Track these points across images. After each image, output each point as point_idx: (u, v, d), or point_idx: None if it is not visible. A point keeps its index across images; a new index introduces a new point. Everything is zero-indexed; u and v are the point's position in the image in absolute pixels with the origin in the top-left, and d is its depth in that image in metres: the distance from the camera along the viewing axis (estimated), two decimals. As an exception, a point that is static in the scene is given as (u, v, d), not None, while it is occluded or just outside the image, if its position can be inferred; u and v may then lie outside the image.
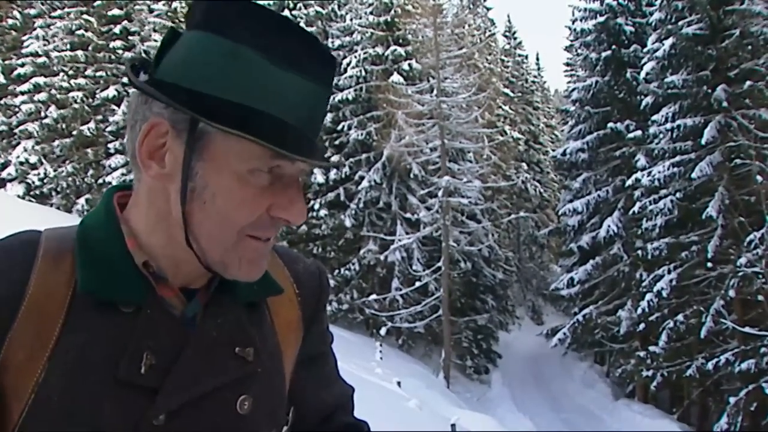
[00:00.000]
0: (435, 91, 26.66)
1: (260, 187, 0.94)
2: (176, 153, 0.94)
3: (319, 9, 31.23)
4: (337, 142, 28.82)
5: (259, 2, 0.97)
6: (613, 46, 26.17)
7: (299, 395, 1.18)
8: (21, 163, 29.93)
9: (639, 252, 22.43)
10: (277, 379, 1.11)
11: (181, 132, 0.93)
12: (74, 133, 30.31)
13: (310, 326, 1.20)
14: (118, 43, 30.90)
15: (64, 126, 30.44)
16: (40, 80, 30.54)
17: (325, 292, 1.25)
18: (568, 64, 41.43)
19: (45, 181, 30.06)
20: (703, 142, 19.19)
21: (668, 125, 20.69)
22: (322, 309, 1.25)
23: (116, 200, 1.05)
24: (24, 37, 32.49)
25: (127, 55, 30.44)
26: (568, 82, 36.28)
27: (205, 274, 1.03)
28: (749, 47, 19.78)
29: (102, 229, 1.01)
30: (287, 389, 1.14)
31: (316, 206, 28.03)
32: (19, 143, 30.49)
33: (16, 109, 31.03)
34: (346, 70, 28.78)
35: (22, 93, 30.79)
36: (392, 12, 29.02)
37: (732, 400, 18.47)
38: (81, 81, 30.59)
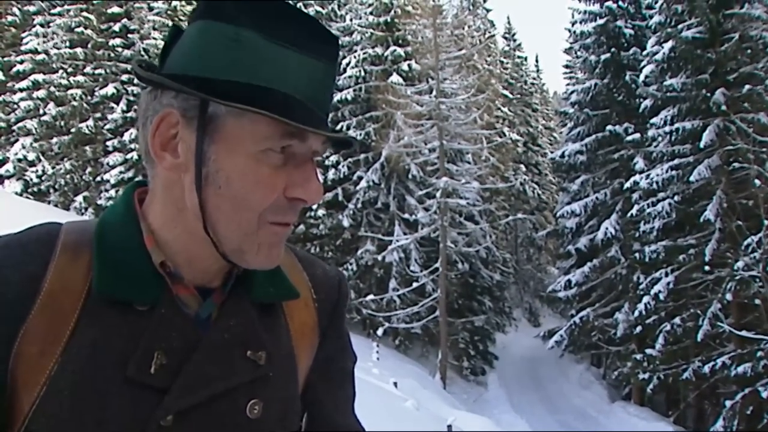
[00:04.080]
0: (434, 92, 26.66)
1: (274, 166, 0.94)
2: (188, 141, 0.94)
3: (318, 9, 31.23)
4: (335, 142, 28.80)
5: None
6: (613, 49, 26.21)
7: (313, 407, 1.16)
8: (19, 160, 29.90)
9: (636, 255, 22.45)
10: (290, 384, 1.10)
11: (192, 119, 0.93)
12: (73, 130, 30.29)
13: (327, 333, 1.18)
14: (117, 41, 30.87)
15: (62, 123, 30.43)
16: (39, 77, 30.53)
17: (344, 299, 1.24)
18: (567, 67, 41.48)
19: (43, 178, 30.04)
20: (701, 145, 19.22)
21: (667, 128, 20.72)
22: (340, 316, 1.23)
23: (137, 196, 1.05)
24: (23, 34, 32.47)
25: (127, 53, 30.47)
26: (567, 85, 36.30)
27: (221, 273, 1.04)
28: (748, 51, 19.80)
29: (120, 226, 1.01)
30: (300, 395, 1.13)
31: (314, 206, 27.98)
32: (17, 140, 30.47)
33: (15, 106, 31.01)
34: (345, 71, 28.80)
35: (21, 90, 30.78)
36: (392, 12, 29.03)
37: (728, 403, 18.48)
38: (80, 78, 30.59)
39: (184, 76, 0.92)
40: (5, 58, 32.38)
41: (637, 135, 23.76)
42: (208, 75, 0.91)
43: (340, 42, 1.01)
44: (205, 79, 0.91)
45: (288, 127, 0.90)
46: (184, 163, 0.95)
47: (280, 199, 0.95)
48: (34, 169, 30.02)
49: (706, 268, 19.76)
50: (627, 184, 23.04)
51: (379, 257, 26.91)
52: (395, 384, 15.90)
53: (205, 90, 0.90)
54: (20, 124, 30.40)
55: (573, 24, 28.80)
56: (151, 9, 33.04)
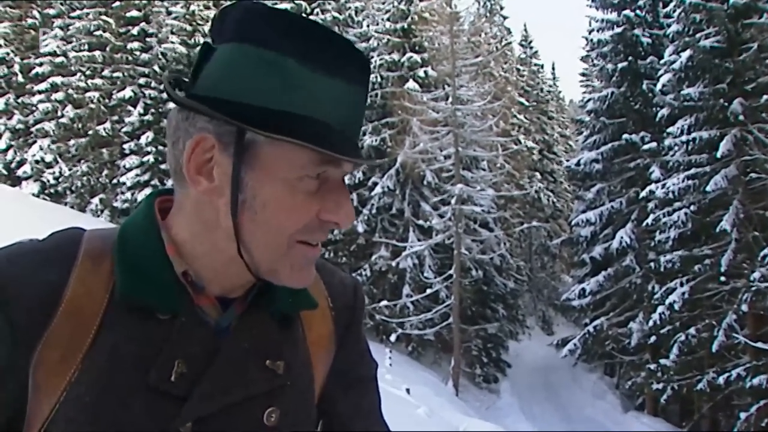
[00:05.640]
0: (450, 99, 26.66)
1: (308, 192, 0.95)
2: (224, 166, 0.94)
3: (336, 15, 31.27)
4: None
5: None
6: (630, 58, 26.10)
7: (333, 417, 1.18)
8: (37, 162, 30.13)
9: (651, 264, 22.33)
10: (307, 393, 1.11)
11: (228, 145, 0.93)
12: (90, 132, 30.51)
13: (344, 342, 1.19)
14: (135, 45, 31.08)
15: (80, 126, 30.64)
16: (58, 80, 30.75)
17: (360, 307, 1.25)
18: (583, 75, 41.34)
19: (60, 180, 30.25)
20: (718, 155, 19.11)
21: (683, 137, 20.61)
22: (357, 325, 1.24)
23: (157, 205, 1.06)
24: (43, 37, 32.73)
25: (145, 56, 30.66)
26: (584, 93, 36.21)
27: (243, 285, 1.05)
28: (767, 61, 19.69)
29: (142, 235, 1.02)
30: (317, 404, 1.14)
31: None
32: (35, 142, 30.71)
33: (33, 108, 31.25)
34: (361, 76, 28.81)
35: (40, 92, 31.01)
36: (409, 19, 29.06)
37: (743, 415, 18.36)
38: (98, 81, 30.79)
39: (218, 99, 0.93)
40: (24, 60, 32.67)
41: (654, 144, 23.63)
42: (245, 100, 0.91)
43: (371, 64, 1.02)
44: (241, 104, 0.91)
45: (326, 155, 0.92)
46: (219, 187, 0.95)
47: (312, 221, 0.97)
48: (51, 170, 30.25)
49: (722, 278, 19.64)
50: (643, 194, 22.92)
51: (393, 263, 26.90)
52: (408, 390, 15.90)
53: (242, 117, 0.91)
54: (38, 126, 30.65)
55: (590, 32, 28.68)
56: (169, 13, 33.23)
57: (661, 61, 22.78)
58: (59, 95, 30.61)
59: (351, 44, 0.96)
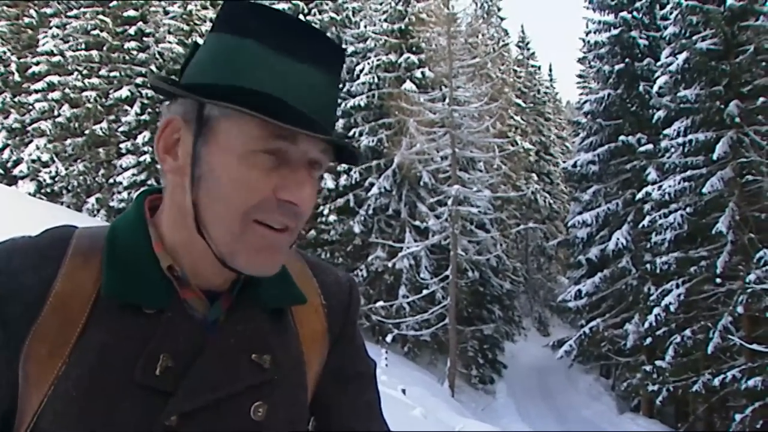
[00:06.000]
0: (447, 100, 26.64)
1: (265, 169, 0.95)
2: (187, 144, 0.97)
3: (333, 15, 31.28)
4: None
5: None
6: (627, 60, 26.12)
7: (328, 415, 1.18)
8: (33, 161, 30.09)
9: (647, 266, 22.34)
10: (298, 388, 1.11)
11: (191, 122, 0.97)
12: (86, 132, 30.46)
13: (338, 339, 1.19)
14: (132, 44, 31.07)
15: (76, 125, 30.60)
16: (54, 79, 30.73)
17: (355, 305, 1.24)
18: (580, 76, 41.34)
19: (56, 179, 30.21)
20: (714, 157, 19.12)
21: (680, 139, 20.63)
22: (352, 322, 1.23)
23: (148, 204, 1.08)
24: (39, 36, 32.70)
25: (141, 56, 30.63)
26: (581, 94, 36.27)
27: (225, 278, 1.04)
28: (763, 63, 19.68)
29: (130, 232, 1.03)
30: (309, 400, 1.14)
31: (326, 212, 28.03)
32: (31, 141, 30.67)
33: (30, 107, 31.23)
34: (358, 77, 28.85)
35: (36, 91, 30.98)
36: (406, 20, 29.04)
37: (738, 417, 18.36)
38: (95, 81, 30.78)
39: (188, 84, 0.96)
40: (21, 59, 32.63)
41: (650, 146, 23.66)
42: (208, 81, 0.94)
43: (345, 53, 1.03)
44: (203, 84, 0.94)
45: (277, 128, 0.92)
46: (182, 165, 0.98)
47: (269, 199, 0.95)
48: (47, 170, 30.20)
49: (718, 280, 19.66)
50: (639, 195, 22.95)
51: (390, 264, 26.88)
52: (403, 391, 15.88)
53: (199, 93, 0.93)
54: (35, 125, 30.61)
55: (587, 34, 28.73)
56: (166, 13, 33.19)
57: (658, 63, 22.80)
58: (56, 94, 30.59)
59: (322, 33, 0.98)
